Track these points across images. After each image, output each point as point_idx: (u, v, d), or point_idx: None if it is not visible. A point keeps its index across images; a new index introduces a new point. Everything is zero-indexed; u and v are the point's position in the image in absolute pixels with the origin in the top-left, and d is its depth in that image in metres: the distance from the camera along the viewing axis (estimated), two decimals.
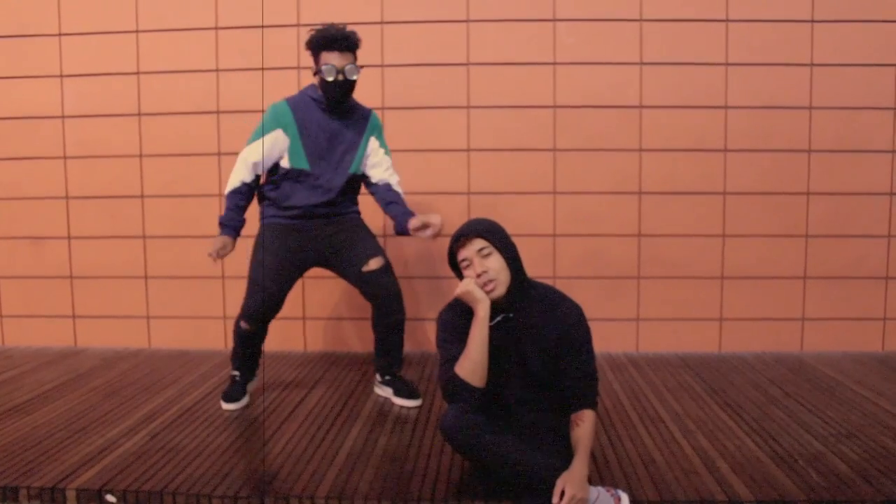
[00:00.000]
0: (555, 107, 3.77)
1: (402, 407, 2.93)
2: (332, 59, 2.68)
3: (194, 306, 3.94)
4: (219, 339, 3.94)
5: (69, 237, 3.97)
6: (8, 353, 3.88)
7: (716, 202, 3.77)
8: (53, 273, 3.99)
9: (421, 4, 3.75)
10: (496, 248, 2.09)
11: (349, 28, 2.74)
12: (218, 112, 3.84)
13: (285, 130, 2.76)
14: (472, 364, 2.03)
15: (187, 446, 2.49)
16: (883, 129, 3.71)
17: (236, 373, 3.01)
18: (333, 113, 2.82)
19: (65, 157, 3.93)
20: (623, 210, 3.79)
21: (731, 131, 3.74)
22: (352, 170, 2.86)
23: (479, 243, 2.09)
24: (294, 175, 2.80)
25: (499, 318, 2.12)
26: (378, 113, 3.76)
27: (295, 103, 2.80)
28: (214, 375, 3.39)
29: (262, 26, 3.77)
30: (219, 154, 3.86)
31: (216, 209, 3.87)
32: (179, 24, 3.81)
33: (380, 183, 2.92)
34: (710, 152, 3.75)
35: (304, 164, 2.79)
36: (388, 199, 2.89)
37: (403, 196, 2.93)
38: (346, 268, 2.89)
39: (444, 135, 3.80)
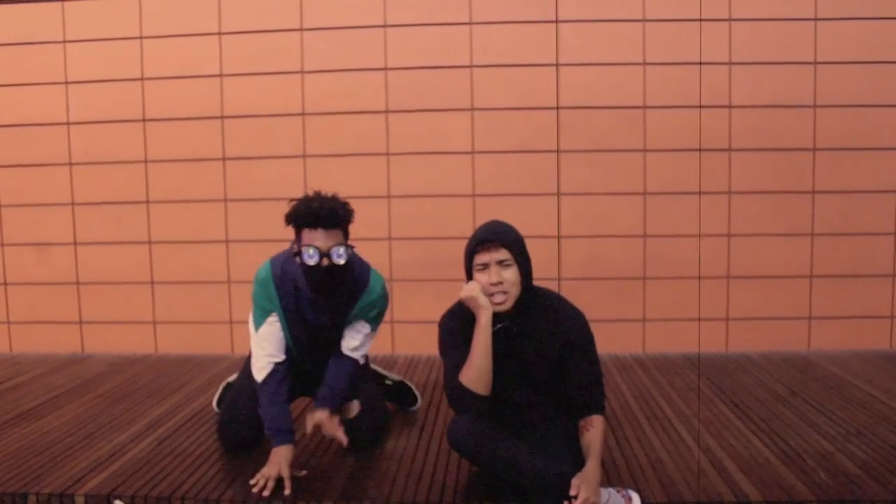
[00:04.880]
0: (558, 108, 3.77)
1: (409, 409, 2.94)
2: (314, 240, 2.17)
3: (201, 311, 3.95)
4: (225, 343, 3.94)
5: (75, 243, 3.98)
6: (15, 359, 3.90)
7: (721, 202, 3.76)
8: (60, 279, 4.00)
9: (423, 7, 3.76)
10: (516, 261, 2.05)
11: (336, 202, 2.23)
12: (222, 117, 3.85)
13: (276, 312, 2.39)
14: (477, 372, 2.01)
15: (195, 451, 2.49)
16: (888, 126, 3.70)
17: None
18: (319, 305, 2.37)
19: (70, 164, 3.94)
20: (628, 211, 3.79)
21: (735, 131, 3.73)
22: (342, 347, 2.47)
23: (502, 254, 2.03)
24: None
25: (500, 326, 2.09)
26: (381, 117, 3.81)
27: (280, 283, 2.35)
28: (221, 380, 3.38)
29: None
30: (223, 159, 3.87)
31: (222, 214, 3.88)
32: (183, 29, 3.82)
33: (344, 355, 2.45)
34: (715, 152, 3.74)
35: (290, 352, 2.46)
36: (331, 377, 2.42)
37: (350, 376, 2.43)
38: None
39: (448, 137, 3.80)
